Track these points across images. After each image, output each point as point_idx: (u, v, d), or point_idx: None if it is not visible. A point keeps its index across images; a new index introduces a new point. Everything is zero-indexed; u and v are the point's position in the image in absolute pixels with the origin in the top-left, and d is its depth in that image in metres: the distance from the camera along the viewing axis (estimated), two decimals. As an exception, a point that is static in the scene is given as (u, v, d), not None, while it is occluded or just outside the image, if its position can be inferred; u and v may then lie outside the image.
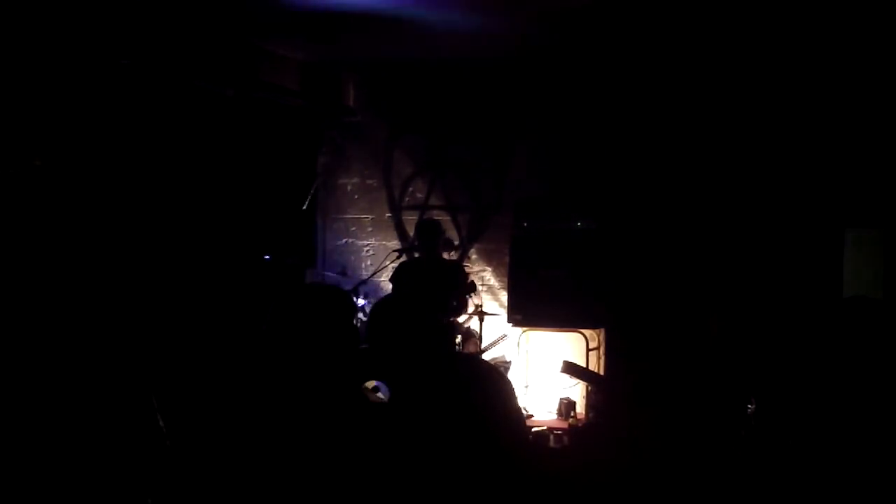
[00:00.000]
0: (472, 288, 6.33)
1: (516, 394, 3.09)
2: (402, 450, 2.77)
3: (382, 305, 3.19)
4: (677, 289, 6.57)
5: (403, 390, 2.97)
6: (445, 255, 6.72)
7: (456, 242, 7.23)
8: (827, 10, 5.05)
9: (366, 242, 7.53)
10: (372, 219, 7.52)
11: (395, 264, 7.01)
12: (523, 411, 5.82)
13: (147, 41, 5.44)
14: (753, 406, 5.31)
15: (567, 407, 6.43)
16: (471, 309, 6.46)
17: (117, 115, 5.44)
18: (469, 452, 2.73)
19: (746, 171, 6.49)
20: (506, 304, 6.80)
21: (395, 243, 7.31)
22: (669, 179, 6.67)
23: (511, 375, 6.75)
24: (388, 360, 3.06)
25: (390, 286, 7.23)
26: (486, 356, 6.63)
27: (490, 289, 7.17)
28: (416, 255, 6.82)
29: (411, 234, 7.38)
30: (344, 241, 7.57)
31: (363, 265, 7.48)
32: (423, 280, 6.09)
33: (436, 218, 7.02)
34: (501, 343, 6.78)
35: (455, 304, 6.16)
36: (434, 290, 6.03)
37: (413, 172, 7.44)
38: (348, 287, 6.85)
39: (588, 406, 6.39)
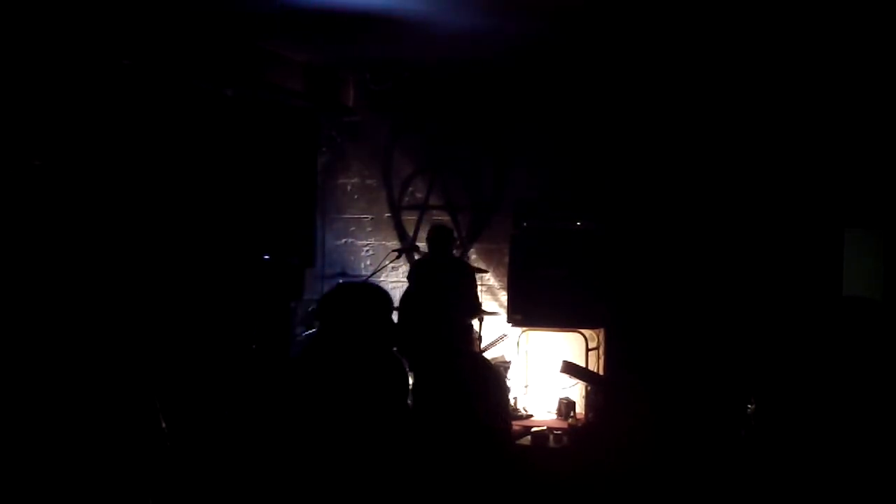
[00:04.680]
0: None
1: (507, 392, 3.15)
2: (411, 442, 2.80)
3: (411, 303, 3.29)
4: (677, 289, 6.57)
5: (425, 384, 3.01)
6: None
7: (457, 242, 7.23)
8: (827, 9, 5.05)
9: (365, 242, 7.53)
10: (371, 219, 7.52)
11: (394, 264, 7.04)
12: (509, 407, 5.87)
13: (148, 41, 5.44)
14: (753, 406, 5.31)
15: (567, 407, 6.43)
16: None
17: (117, 115, 5.43)
18: (465, 444, 2.77)
19: (746, 171, 6.49)
20: (506, 304, 6.80)
21: (394, 243, 7.31)
22: (669, 179, 6.67)
23: (511, 375, 6.76)
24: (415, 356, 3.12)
25: (390, 285, 7.25)
26: (485, 356, 6.64)
27: (490, 289, 7.17)
28: (417, 256, 6.84)
29: (411, 233, 7.38)
30: (343, 241, 7.57)
31: (363, 265, 7.47)
32: (442, 280, 6.08)
33: (442, 222, 7.07)
34: (501, 343, 6.78)
35: (472, 306, 6.18)
36: (455, 292, 6.03)
37: (413, 172, 7.43)
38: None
39: (588, 406, 6.38)
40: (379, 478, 2.72)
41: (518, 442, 5.93)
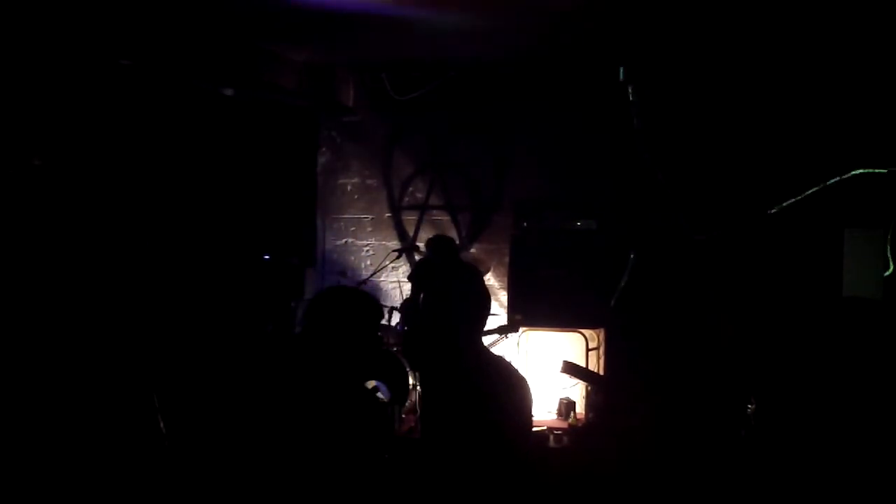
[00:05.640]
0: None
1: (531, 401, 3.12)
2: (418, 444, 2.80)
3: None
4: (677, 289, 6.57)
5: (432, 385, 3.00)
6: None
7: (456, 242, 7.22)
8: (827, 9, 5.05)
9: (366, 242, 7.53)
10: (372, 219, 7.52)
11: (394, 264, 7.03)
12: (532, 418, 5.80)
13: (147, 41, 5.44)
14: (753, 406, 5.32)
15: (567, 407, 6.43)
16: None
17: (117, 115, 5.44)
18: (474, 449, 2.77)
19: (746, 171, 6.49)
20: (506, 304, 6.80)
21: (394, 243, 7.31)
22: (669, 179, 6.66)
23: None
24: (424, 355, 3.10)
25: (390, 285, 7.25)
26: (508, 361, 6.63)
27: (490, 289, 7.17)
28: (418, 256, 6.84)
29: (411, 233, 7.38)
30: (344, 241, 7.57)
31: (363, 265, 7.48)
32: (449, 287, 6.03)
33: (442, 227, 7.09)
34: (501, 343, 6.77)
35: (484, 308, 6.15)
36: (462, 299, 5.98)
37: (413, 172, 7.43)
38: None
39: (588, 406, 6.38)
40: (366, 479, 2.73)
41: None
